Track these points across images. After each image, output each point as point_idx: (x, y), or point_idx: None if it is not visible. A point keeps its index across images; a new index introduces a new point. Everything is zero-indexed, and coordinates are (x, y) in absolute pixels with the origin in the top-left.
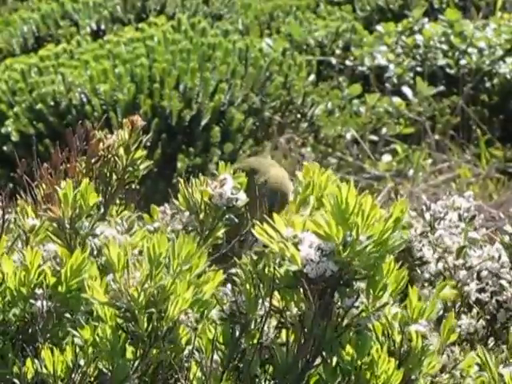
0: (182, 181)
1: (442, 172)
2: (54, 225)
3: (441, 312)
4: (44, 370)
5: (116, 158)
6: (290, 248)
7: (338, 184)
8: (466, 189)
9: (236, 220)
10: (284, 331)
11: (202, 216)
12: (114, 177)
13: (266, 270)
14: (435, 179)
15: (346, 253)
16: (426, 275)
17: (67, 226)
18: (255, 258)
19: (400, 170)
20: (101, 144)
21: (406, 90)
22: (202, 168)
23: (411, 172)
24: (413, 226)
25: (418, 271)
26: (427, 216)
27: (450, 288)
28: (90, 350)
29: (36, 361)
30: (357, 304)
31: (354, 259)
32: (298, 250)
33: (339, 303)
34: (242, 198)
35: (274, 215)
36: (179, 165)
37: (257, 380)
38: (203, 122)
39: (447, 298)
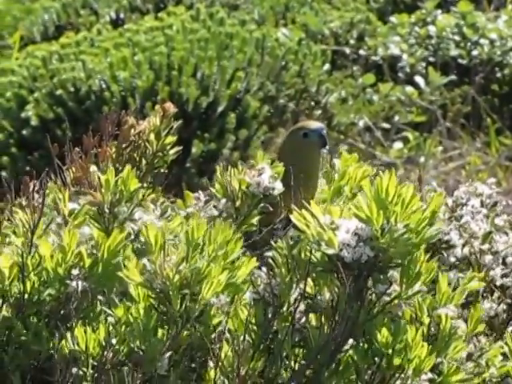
0: (219, 168)
1: (452, 159)
2: (94, 209)
3: (464, 295)
4: (77, 348)
5: (146, 143)
6: (328, 232)
7: (379, 173)
8: (476, 176)
9: (271, 208)
10: (314, 315)
11: (238, 203)
12: (144, 161)
13: (302, 254)
14: (446, 166)
15: (384, 239)
16: (452, 259)
17: (106, 210)
18: (291, 242)
19: (411, 157)
20: (132, 130)
21: (418, 79)
22: (217, 153)
23: (422, 159)
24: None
25: (445, 254)
26: (449, 202)
27: (478, 280)
28: (123, 328)
29: (69, 339)
30: (389, 291)
31: (390, 246)
32: (335, 235)
33: (372, 289)
34: (279, 187)
35: (312, 203)
36: (194, 150)
37: (287, 361)
38: (220, 109)
39: (474, 289)
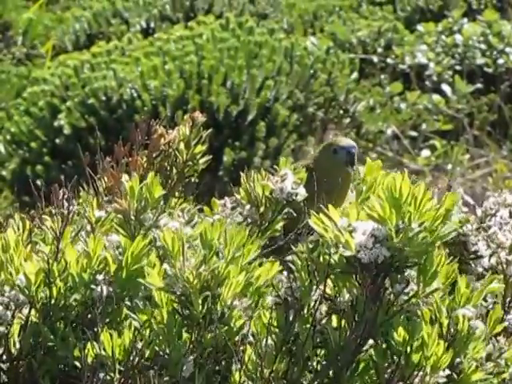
0: (244, 176)
1: (479, 167)
2: (120, 216)
3: (491, 306)
4: (103, 353)
5: (176, 152)
6: (345, 234)
7: (392, 174)
8: (502, 183)
9: (294, 214)
10: (335, 316)
11: (262, 209)
12: (174, 170)
13: (321, 258)
14: (472, 174)
15: (399, 239)
16: (479, 269)
17: (132, 217)
18: (311, 246)
19: (439, 164)
20: (162, 139)
21: (445, 87)
22: (248, 162)
23: (449, 167)
24: (470, 221)
25: (472, 265)
26: (479, 212)
27: (498, 282)
28: (147, 332)
29: (95, 344)
30: (407, 290)
31: (406, 245)
32: (352, 237)
33: (390, 289)
34: (302, 192)
35: (329, 206)
36: (225, 158)
37: (309, 362)
38: (249, 118)
39: (495, 291)
